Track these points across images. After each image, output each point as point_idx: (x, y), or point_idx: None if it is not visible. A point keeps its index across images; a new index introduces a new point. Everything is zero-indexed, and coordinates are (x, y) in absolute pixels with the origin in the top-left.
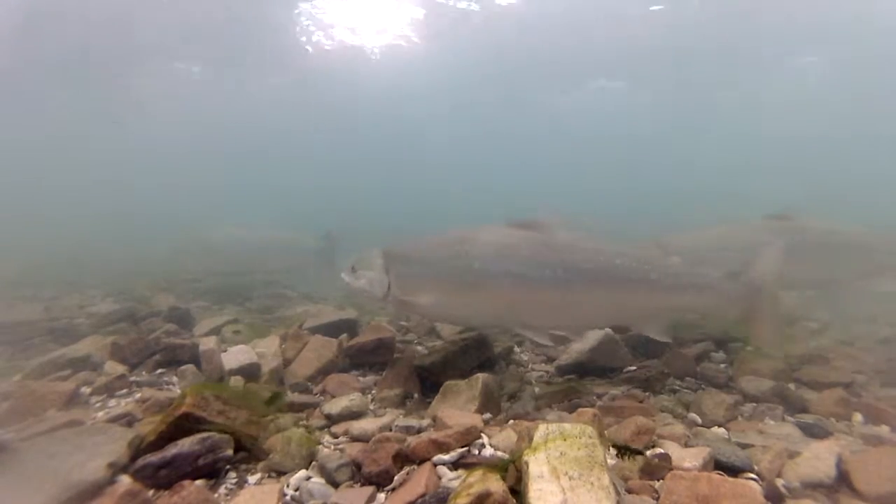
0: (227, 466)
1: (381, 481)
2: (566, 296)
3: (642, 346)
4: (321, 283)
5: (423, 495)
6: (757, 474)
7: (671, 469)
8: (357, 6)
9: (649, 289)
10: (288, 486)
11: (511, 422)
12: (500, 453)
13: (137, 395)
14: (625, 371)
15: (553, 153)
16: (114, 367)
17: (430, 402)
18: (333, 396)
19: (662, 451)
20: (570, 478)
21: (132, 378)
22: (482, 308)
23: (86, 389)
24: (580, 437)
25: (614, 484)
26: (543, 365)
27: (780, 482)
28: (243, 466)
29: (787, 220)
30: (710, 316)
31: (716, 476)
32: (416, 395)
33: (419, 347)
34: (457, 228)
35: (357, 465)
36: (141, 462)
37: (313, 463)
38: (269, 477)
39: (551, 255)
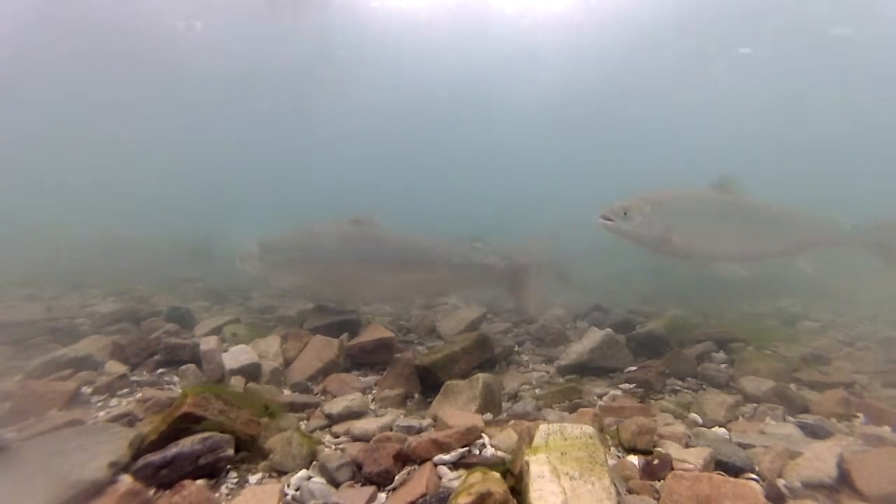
0: (228, 466)
1: (381, 481)
2: (390, 275)
3: (643, 347)
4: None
5: (423, 495)
6: (758, 474)
7: (672, 469)
8: None
9: (448, 267)
10: (289, 485)
11: (512, 422)
12: (500, 453)
13: (138, 395)
14: (625, 371)
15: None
16: (115, 367)
17: (430, 402)
18: (334, 396)
19: (663, 451)
20: (571, 478)
21: (133, 378)
22: (328, 286)
23: (87, 389)
24: (581, 438)
25: (615, 484)
26: (544, 365)
27: (781, 482)
28: (244, 466)
29: (726, 192)
30: (492, 285)
31: (717, 476)
32: (416, 395)
33: (420, 347)
34: (310, 224)
35: (358, 465)
36: (142, 462)
37: (314, 463)
38: (270, 477)
39: (378, 245)
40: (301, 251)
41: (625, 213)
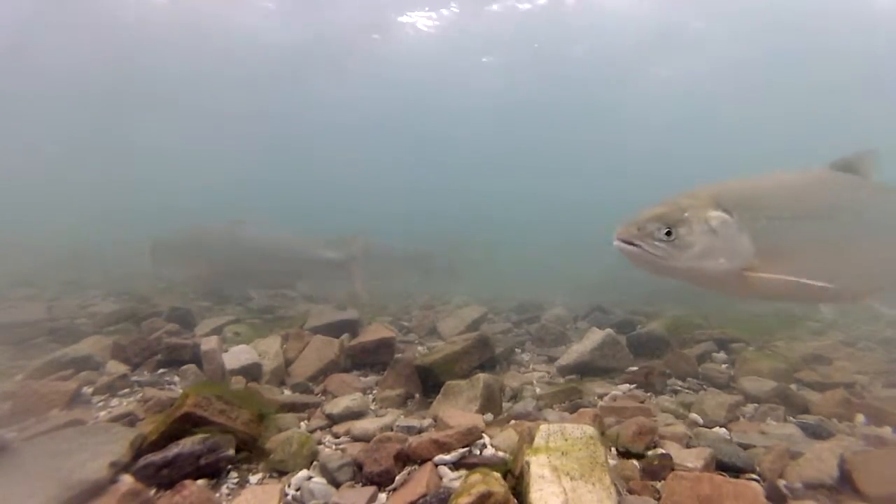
0: (229, 466)
1: (382, 481)
2: (257, 266)
3: (644, 347)
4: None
5: (424, 495)
6: (759, 475)
7: (673, 469)
8: None
9: (302, 258)
10: (289, 485)
11: (512, 422)
12: (501, 453)
13: (139, 395)
14: (626, 371)
15: None
16: (115, 367)
17: (431, 402)
18: (335, 396)
19: (664, 451)
20: (572, 478)
21: (134, 378)
22: (210, 277)
23: (88, 389)
24: (581, 438)
25: (615, 484)
26: (544, 365)
27: (781, 483)
28: (245, 466)
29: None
30: (333, 274)
31: (717, 477)
32: (417, 395)
33: (420, 347)
34: (195, 225)
35: (358, 465)
36: (143, 462)
37: (314, 463)
38: (271, 477)
39: (248, 242)
40: (186, 248)
41: (668, 232)
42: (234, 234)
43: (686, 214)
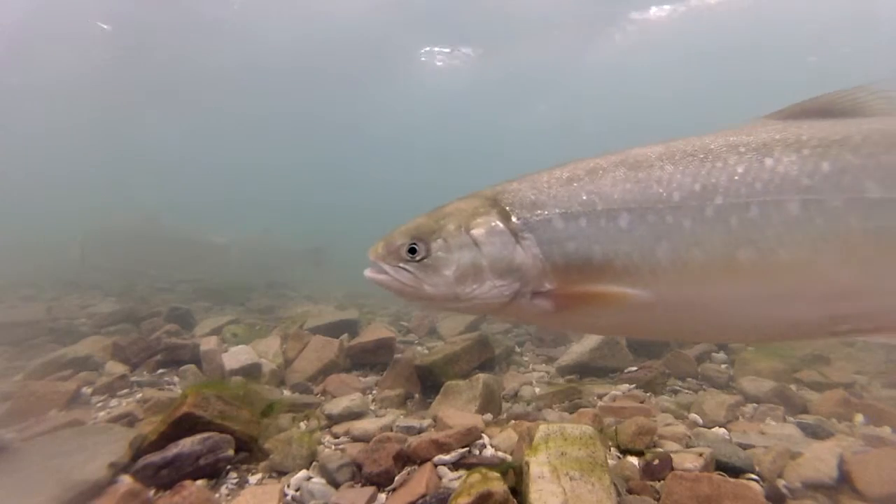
0: (228, 466)
1: (381, 482)
2: (164, 255)
3: (643, 347)
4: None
5: (423, 496)
6: (758, 475)
7: (672, 470)
8: None
9: (196, 243)
10: (289, 486)
11: (512, 422)
12: (500, 454)
13: (138, 395)
14: (625, 371)
15: None
16: (115, 368)
17: (430, 403)
18: (334, 396)
19: (663, 451)
20: (571, 478)
21: (133, 378)
22: (128, 265)
23: (87, 389)
24: (581, 438)
25: (615, 484)
26: (544, 365)
27: (781, 483)
28: (244, 466)
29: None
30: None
31: (717, 477)
32: (416, 396)
33: (420, 348)
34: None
35: (358, 466)
36: (142, 462)
37: (314, 463)
38: (270, 477)
39: (155, 235)
40: (104, 241)
41: (412, 249)
42: (145, 226)
43: (442, 223)
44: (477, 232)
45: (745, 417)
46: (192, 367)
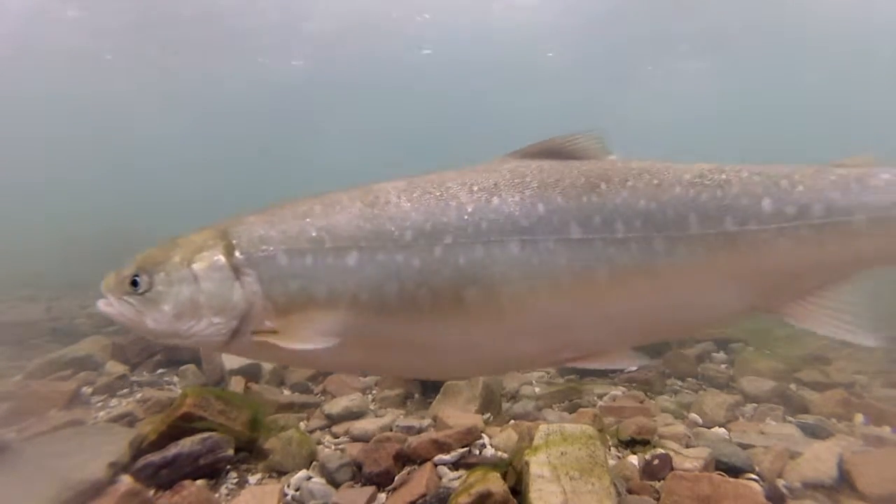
0: (228, 466)
1: (381, 481)
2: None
3: (643, 347)
4: None
5: (423, 495)
6: (758, 475)
7: (672, 469)
8: None
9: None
10: (289, 486)
11: (512, 422)
12: (500, 453)
13: (138, 395)
14: (625, 371)
15: None
16: (115, 367)
17: (430, 403)
18: (334, 396)
19: (663, 451)
20: (571, 478)
21: (133, 378)
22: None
23: (87, 389)
24: (581, 438)
25: (615, 484)
26: None
27: (781, 483)
28: (244, 466)
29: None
30: None
31: (717, 476)
32: (416, 396)
33: None
34: None
35: (358, 466)
36: (142, 462)
37: (314, 463)
38: (270, 477)
39: None
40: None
41: (134, 282)
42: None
43: (170, 255)
44: (198, 266)
45: (745, 417)
46: (191, 366)
